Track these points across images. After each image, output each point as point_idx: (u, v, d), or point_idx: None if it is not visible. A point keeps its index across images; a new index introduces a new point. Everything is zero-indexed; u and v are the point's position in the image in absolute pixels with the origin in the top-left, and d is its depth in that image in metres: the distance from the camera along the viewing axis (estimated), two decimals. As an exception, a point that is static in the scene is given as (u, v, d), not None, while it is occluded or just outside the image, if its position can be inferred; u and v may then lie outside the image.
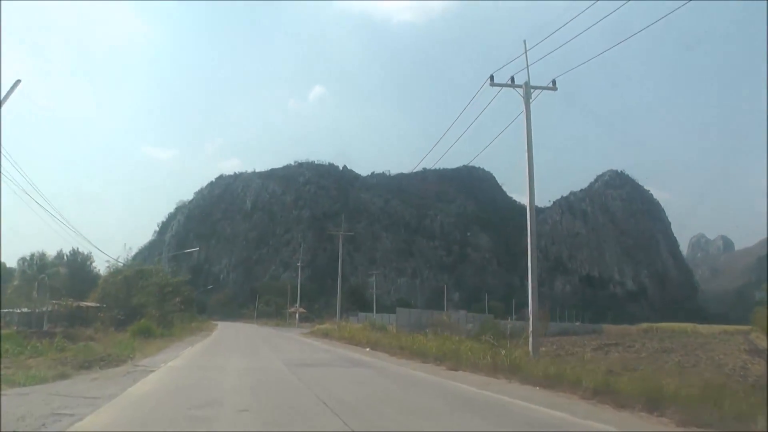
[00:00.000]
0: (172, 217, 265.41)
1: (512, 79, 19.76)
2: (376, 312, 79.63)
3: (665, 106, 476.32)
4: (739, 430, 8.30)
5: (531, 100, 19.61)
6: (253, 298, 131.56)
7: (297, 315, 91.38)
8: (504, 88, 19.88)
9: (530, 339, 19.08)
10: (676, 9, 15.03)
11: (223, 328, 67.24)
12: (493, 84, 19.76)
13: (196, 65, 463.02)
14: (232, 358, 21.59)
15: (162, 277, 46.29)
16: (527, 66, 19.53)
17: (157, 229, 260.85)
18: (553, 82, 19.92)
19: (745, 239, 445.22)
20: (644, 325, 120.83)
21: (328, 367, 19.49)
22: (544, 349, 23.36)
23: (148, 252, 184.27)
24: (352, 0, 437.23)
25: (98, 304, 42.17)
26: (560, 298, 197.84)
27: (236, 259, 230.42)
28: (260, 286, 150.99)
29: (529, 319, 19.59)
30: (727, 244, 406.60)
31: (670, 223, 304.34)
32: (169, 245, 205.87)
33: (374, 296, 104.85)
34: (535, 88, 19.84)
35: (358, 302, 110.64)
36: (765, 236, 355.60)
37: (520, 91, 19.74)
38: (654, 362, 21.23)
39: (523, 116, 19.61)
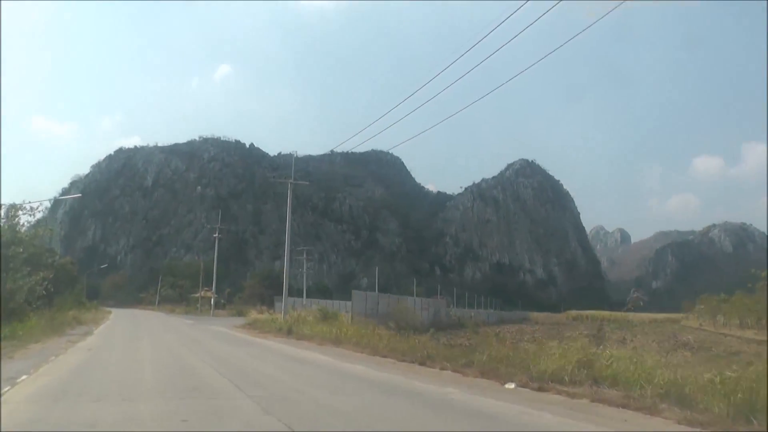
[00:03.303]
0: (66, 192, 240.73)
1: None
2: (290, 297, 68.24)
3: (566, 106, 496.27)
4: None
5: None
6: (153, 281, 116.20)
7: (212, 302, 77.16)
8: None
9: None
10: None
11: (118, 320, 48.96)
12: None
13: (93, 38, 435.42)
14: None
15: (6, 231, 27.32)
16: None
17: (49, 205, 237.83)
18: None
19: (640, 233, 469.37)
20: (572, 312, 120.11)
21: None
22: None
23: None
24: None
25: None
26: (470, 284, 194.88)
27: (135, 240, 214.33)
28: (163, 267, 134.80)
29: None
30: (624, 236, 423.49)
31: (579, 214, 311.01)
32: (62, 222, 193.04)
33: (305, 277, 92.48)
34: None
35: (273, 287, 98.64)
36: (659, 230, 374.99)
37: None
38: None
39: None
